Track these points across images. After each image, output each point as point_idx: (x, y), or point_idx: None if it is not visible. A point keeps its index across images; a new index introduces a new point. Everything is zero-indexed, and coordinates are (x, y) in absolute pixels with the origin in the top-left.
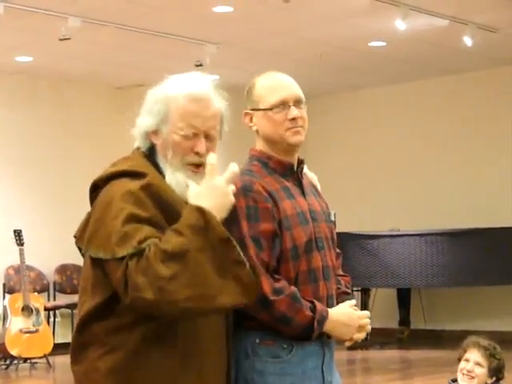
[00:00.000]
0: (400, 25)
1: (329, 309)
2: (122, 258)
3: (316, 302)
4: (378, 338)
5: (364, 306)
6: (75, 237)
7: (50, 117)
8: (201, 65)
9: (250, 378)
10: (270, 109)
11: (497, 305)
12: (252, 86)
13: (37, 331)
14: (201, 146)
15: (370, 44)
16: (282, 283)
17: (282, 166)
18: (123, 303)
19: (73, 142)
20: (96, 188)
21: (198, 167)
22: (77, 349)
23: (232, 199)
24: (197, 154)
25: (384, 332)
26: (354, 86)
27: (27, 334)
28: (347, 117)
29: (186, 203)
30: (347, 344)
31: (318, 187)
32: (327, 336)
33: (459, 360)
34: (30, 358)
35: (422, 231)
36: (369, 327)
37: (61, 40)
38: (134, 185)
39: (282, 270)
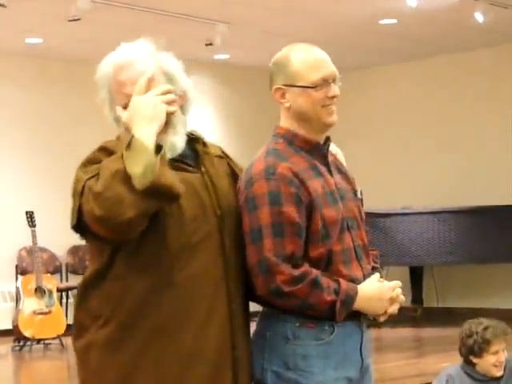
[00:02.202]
0: (411, 2)
1: (358, 286)
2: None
3: (342, 282)
4: (390, 316)
5: None
6: None
7: (61, 99)
8: (211, 44)
9: (292, 363)
10: (312, 87)
11: (510, 282)
12: (285, 59)
13: (50, 312)
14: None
15: (380, 22)
16: (303, 269)
17: (309, 144)
18: (114, 270)
19: (84, 124)
20: None
21: None
22: (76, 324)
23: (163, 106)
24: None
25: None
26: (365, 64)
27: (40, 316)
28: (358, 95)
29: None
30: (382, 319)
31: (343, 162)
32: (363, 315)
33: (475, 352)
34: (43, 339)
35: (434, 209)
36: (402, 297)
37: (70, 21)
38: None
39: (312, 251)
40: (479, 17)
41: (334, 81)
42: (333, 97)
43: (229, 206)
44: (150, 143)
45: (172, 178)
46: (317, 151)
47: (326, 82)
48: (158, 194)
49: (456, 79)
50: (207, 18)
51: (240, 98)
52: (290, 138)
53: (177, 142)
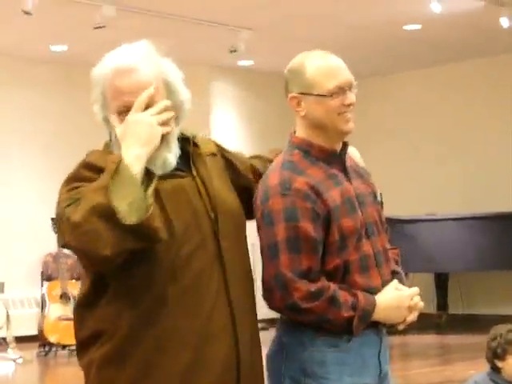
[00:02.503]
0: (435, 7)
1: (376, 296)
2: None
3: (360, 296)
4: (415, 323)
5: None
6: None
7: (86, 104)
8: (235, 51)
9: (309, 370)
10: (328, 95)
11: None
12: (301, 67)
13: None
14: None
15: (404, 27)
16: (320, 284)
17: (325, 153)
18: (104, 294)
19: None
20: None
21: None
22: (77, 344)
23: (159, 129)
24: None
25: (422, 317)
26: (390, 69)
27: (65, 321)
28: (383, 101)
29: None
30: (401, 327)
31: (362, 163)
32: (382, 324)
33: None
34: (68, 345)
35: (459, 215)
36: (420, 304)
37: (95, 28)
38: (76, 169)
39: (329, 263)
40: (504, 22)
41: (350, 88)
42: (349, 105)
43: (223, 206)
44: (138, 171)
45: (159, 223)
46: (334, 159)
47: (341, 90)
48: (140, 234)
49: (481, 84)
50: (231, 25)
51: (264, 104)
52: (306, 149)
53: (169, 159)
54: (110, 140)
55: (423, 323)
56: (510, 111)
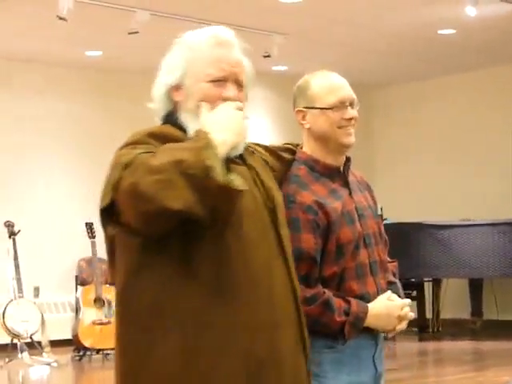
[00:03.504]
0: (470, 11)
1: (369, 304)
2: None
3: (353, 303)
4: (450, 329)
5: (435, 296)
6: None
7: (119, 110)
8: (269, 56)
9: None
10: (329, 108)
11: None
12: (306, 84)
13: (109, 323)
14: (231, 90)
15: (439, 32)
16: (315, 290)
17: (329, 170)
18: (155, 276)
19: None
20: None
21: None
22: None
23: (247, 123)
24: (226, 99)
25: (456, 322)
26: (424, 74)
27: (99, 326)
28: (417, 106)
29: None
30: (390, 335)
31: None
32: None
33: None
34: (102, 350)
35: (494, 221)
36: (410, 315)
37: (130, 34)
38: (138, 136)
39: (326, 271)
40: None
41: (351, 104)
42: (349, 119)
43: (278, 198)
44: (223, 154)
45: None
46: (337, 175)
47: (342, 105)
48: (221, 199)
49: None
50: (264, 30)
51: None
52: (311, 164)
53: (240, 145)
54: (167, 120)
55: (458, 329)
56: None
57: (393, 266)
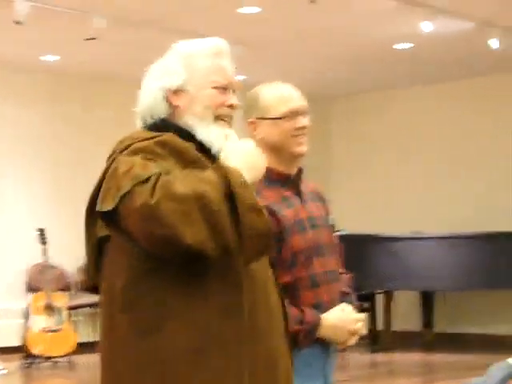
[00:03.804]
0: (426, 26)
1: (322, 314)
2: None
3: (307, 313)
4: (401, 341)
5: (386, 308)
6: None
7: (76, 116)
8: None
9: None
10: (280, 118)
11: None
12: (256, 95)
13: (59, 330)
14: (234, 98)
15: (395, 46)
16: None
17: (281, 177)
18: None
19: (99, 142)
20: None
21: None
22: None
23: (265, 163)
24: (230, 106)
25: (407, 335)
26: (382, 86)
27: (49, 333)
28: (374, 117)
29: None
30: (340, 347)
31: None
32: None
33: None
34: (52, 357)
35: (445, 234)
36: (362, 331)
37: (86, 40)
38: (146, 143)
39: (280, 278)
40: (495, 43)
41: (302, 114)
42: (301, 128)
43: None
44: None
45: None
46: (289, 183)
47: (293, 114)
48: (255, 243)
49: (472, 104)
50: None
51: None
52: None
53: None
54: (162, 125)
55: (409, 341)
56: (504, 130)
57: (348, 277)
